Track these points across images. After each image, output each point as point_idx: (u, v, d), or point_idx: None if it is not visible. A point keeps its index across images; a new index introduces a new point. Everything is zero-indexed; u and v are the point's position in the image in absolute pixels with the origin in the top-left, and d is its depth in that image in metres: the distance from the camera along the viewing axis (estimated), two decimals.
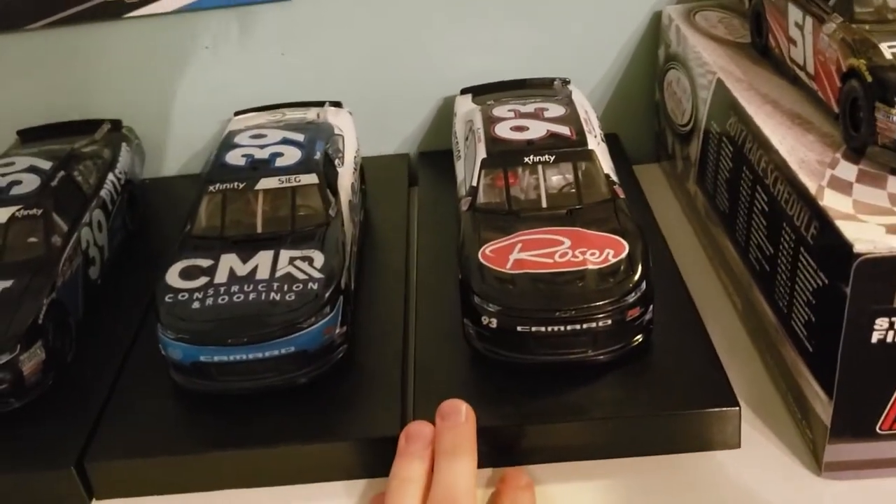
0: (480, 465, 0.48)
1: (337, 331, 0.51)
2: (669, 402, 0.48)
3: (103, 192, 0.64)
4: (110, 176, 0.66)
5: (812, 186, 0.43)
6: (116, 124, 0.73)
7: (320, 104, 0.71)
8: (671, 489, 0.46)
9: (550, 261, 0.50)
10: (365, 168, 0.70)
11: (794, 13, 0.52)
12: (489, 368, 0.51)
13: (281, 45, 0.75)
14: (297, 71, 0.76)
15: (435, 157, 0.76)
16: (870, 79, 0.43)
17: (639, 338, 0.50)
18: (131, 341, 0.57)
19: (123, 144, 0.71)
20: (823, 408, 0.43)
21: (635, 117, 0.78)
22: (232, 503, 0.48)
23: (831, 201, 0.41)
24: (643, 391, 0.49)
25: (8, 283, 0.53)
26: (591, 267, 0.49)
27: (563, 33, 0.74)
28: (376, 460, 0.48)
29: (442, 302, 0.57)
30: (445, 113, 0.76)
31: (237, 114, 0.72)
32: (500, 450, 0.48)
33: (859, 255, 0.38)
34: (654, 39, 0.74)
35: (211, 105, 0.76)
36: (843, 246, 0.39)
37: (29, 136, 0.72)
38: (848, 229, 0.39)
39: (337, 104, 0.72)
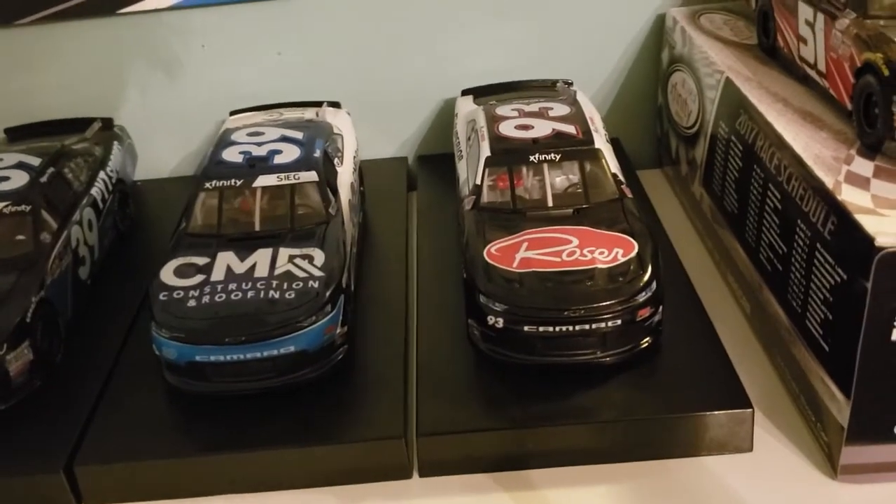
0: (487, 469, 0.46)
1: (338, 330, 0.49)
2: (680, 405, 0.46)
3: (94, 191, 0.63)
4: (101, 174, 0.65)
5: (829, 181, 0.42)
6: (108, 123, 0.72)
7: (318, 104, 0.70)
8: (682, 494, 0.45)
9: (558, 260, 0.49)
10: (363, 171, 0.69)
11: (805, 11, 0.51)
12: (494, 370, 0.49)
13: (278, 45, 0.74)
14: (294, 71, 0.74)
15: (434, 160, 0.75)
16: (887, 73, 0.42)
17: (648, 339, 0.49)
18: (122, 343, 0.55)
19: (115, 143, 0.69)
20: (839, 409, 0.42)
21: (637, 122, 0.77)
22: None
23: (849, 196, 0.41)
24: (653, 393, 0.48)
25: None
26: (599, 266, 0.48)
27: (566, 36, 0.74)
28: (379, 464, 0.46)
29: (443, 304, 0.55)
30: (445, 116, 0.75)
31: (233, 113, 0.71)
32: (506, 454, 0.46)
33: (881, 248, 0.37)
34: (657, 42, 0.73)
35: (206, 105, 0.75)
36: (864, 240, 0.38)
37: (16, 134, 0.70)
38: (868, 223, 0.38)
39: (335, 104, 0.70)
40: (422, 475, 0.47)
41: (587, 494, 0.45)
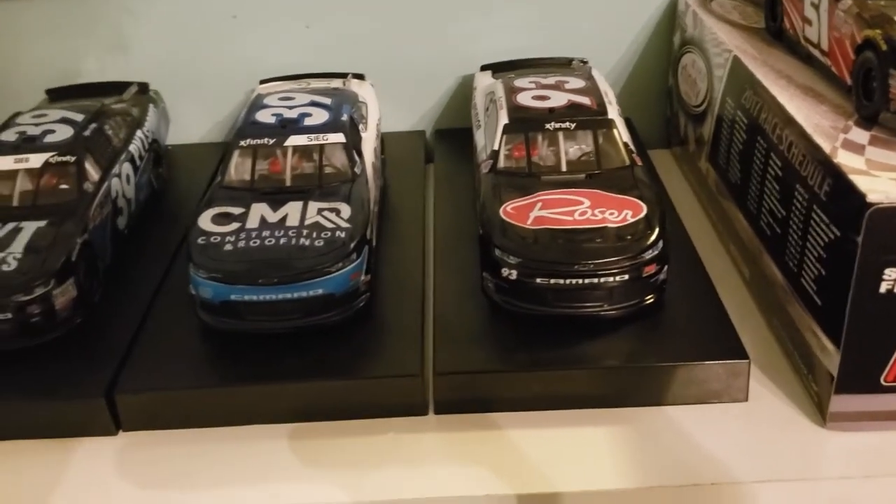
0: (495, 409, 0.49)
1: (362, 278, 0.53)
2: (680, 355, 0.50)
3: (132, 147, 0.66)
4: (139, 133, 0.68)
5: (827, 147, 0.45)
6: (143, 87, 0.75)
7: (344, 76, 0.73)
8: (678, 438, 0.48)
9: (570, 218, 0.52)
10: (383, 142, 0.72)
11: None
12: (506, 320, 0.53)
13: (306, 18, 0.77)
14: (320, 44, 0.78)
15: (451, 134, 0.78)
16: (885, 47, 0.45)
17: (652, 296, 0.52)
18: (156, 288, 0.59)
19: (151, 105, 0.73)
20: (830, 360, 0.45)
21: (648, 103, 0.80)
22: (256, 437, 0.49)
23: (845, 159, 0.44)
24: (655, 344, 0.51)
25: (42, 224, 0.55)
26: (609, 225, 0.51)
27: (582, 18, 0.77)
28: (397, 400, 0.50)
29: (459, 260, 0.58)
30: (463, 91, 0.78)
31: (263, 82, 0.74)
32: (514, 396, 0.50)
33: (871, 204, 0.40)
34: (669, 26, 0.76)
35: (235, 74, 0.78)
36: (857, 197, 0.41)
37: (57, 95, 0.74)
38: (861, 182, 0.41)
39: (360, 76, 0.74)
40: (437, 412, 0.50)
41: (589, 435, 0.48)
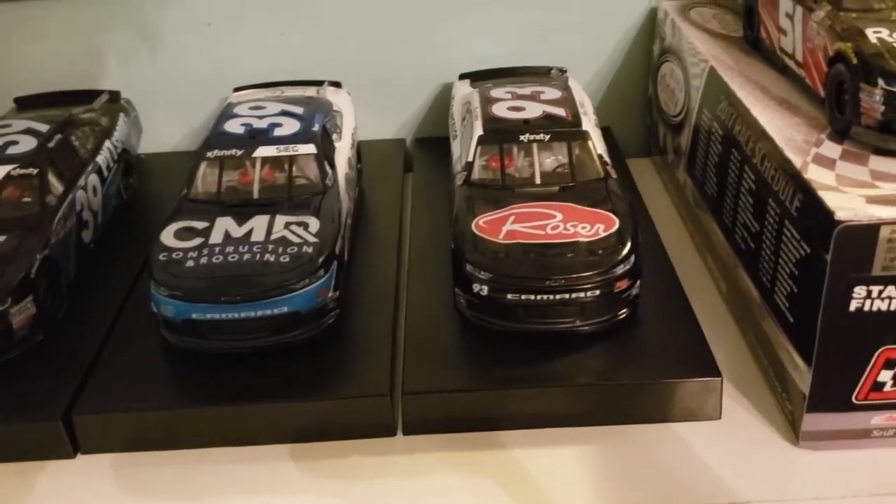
0: (466, 429, 0.48)
1: (330, 294, 0.52)
2: (653, 372, 0.49)
3: (99, 159, 0.65)
4: (107, 143, 0.67)
5: (798, 161, 0.44)
6: (115, 95, 0.74)
7: (319, 83, 0.72)
8: (651, 457, 0.47)
9: (542, 232, 0.51)
10: (361, 151, 0.71)
11: (786, 4, 0.54)
12: (478, 336, 0.52)
13: (282, 25, 0.76)
14: (296, 51, 0.77)
15: (431, 143, 0.77)
16: (855, 61, 0.44)
17: (625, 311, 0.51)
18: (122, 303, 0.57)
19: (121, 115, 0.71)
20: (802, 378, 0.44)
21: (628, 112, 0.79)
22: (219, 461, 0.48)
23: (815, 174, 0.43)
24: (628, 361, 0.50)
25: (1, 239, 0.53)
26: (581, 239, 0.50)
27: (563, 26, 0.76)
28: (365, 421, 0.48)
29: (433, 275, 0.57)
30: (443, 100, 0.77)
31: (237, 90, 0.73)
32: (486, 415, 0.49)
33: (840, 222, 0.39)
34: (649, 35, 0.76)
35: (210, 82, 0.77)
36: (826, 214, 0.40)
37: (26, 104, 0.73)
38: (830, 199, 0.40)
39: (336, 84, 0.73)
40: (405, 433, 0.49)
41: (561, 455, 0.47)
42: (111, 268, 0.61)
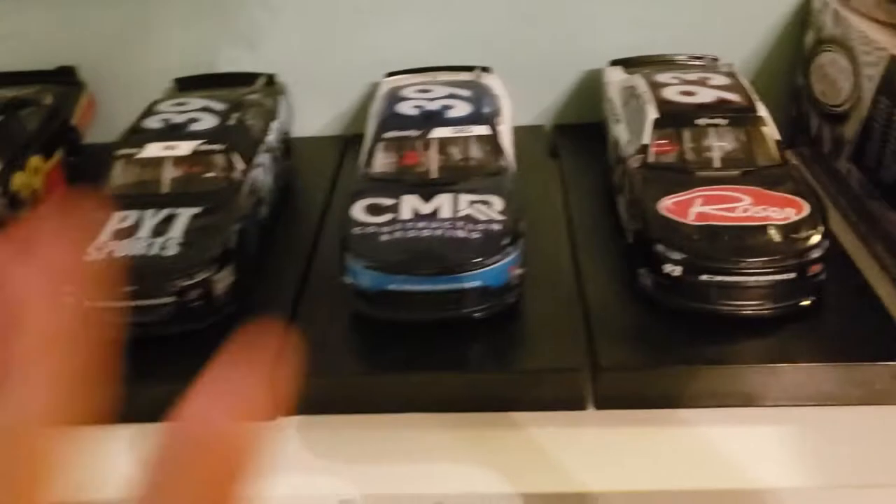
0: (656, 405, 0.49)
1: (518, 271, 0.53)
2: (841, 354, 0.48)
3: (268, 139, 0.67)
4: (273, 124, 0.69)
5: None
6: (271, 78, 0.76)
7: (470, 69, 0.73)
8: (854, 437, 0.47)
9: (733, 215, 0.51)
10: None
11: None
12: (662, 316, 0.52)
13: (427, 12, 0.77)
14: (440, 37, 0.78)
15: (573, 129, 0.77)
16: None
17: (812, 296, 0.51)
18: (301, 277, 0.59)
19: (281, 97, 0.74)
20: None
21: (771, 102, 0.78)
22: (409, 425, 0.49)
23: None
24: (811, 342, 0.50)
25: (199, 210, 0.56)
26: (774, 223, 0.50)
27: (708, 17, 0.75)
28: (557, 393, 0.49)
29: (603, 257, 0.58)
30: (587, 87, 0.78)
31: (389, 75, 0.75)
32: (676, 392, 0.49)
33: None
34: (798, 26, 0.75)
35: (355, 67, 0.79)
36: None
37: (186, 84, 0.75)
38: None
39: (486, 69, 0.74)
40: (598, 408, 0.50)
41: (749, 434, 0.48)
42: (283, 244, 0.63)
